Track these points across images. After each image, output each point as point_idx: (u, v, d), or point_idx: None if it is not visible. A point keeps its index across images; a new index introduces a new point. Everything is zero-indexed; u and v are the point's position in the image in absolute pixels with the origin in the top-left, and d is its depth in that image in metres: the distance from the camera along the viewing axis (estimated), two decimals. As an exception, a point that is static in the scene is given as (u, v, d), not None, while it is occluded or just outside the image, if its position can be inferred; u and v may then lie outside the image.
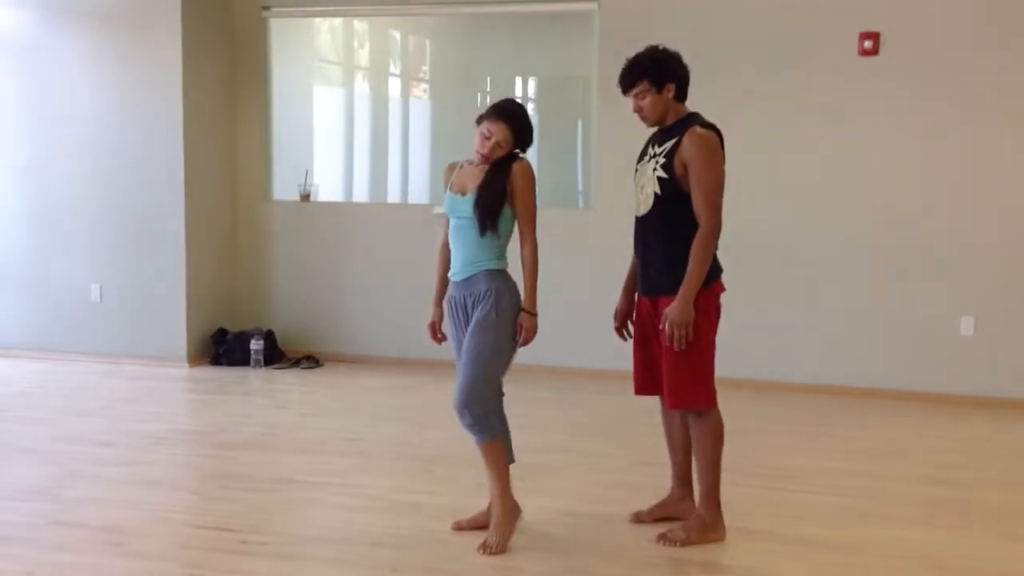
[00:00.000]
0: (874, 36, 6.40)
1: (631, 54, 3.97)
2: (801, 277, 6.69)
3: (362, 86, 8.56)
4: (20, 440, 5.37)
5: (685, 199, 3.80)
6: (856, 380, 6.62)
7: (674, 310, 3.78)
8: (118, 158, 7.21)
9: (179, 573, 3.62)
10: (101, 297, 7.32)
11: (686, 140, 3.81)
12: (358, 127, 8.36)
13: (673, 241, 3.84)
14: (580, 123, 7.59)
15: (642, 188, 3.94)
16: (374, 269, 7.31)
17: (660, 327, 3.86)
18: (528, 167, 3.88)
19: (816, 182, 6.63)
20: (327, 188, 7.82)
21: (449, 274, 3.93)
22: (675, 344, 3.79)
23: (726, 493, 4.39)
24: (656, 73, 3.88)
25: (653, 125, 3.97)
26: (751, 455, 5.21)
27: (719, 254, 3.92)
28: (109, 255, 7.29)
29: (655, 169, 3.87)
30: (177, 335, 7.20)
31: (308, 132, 8.17)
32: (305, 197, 7.57)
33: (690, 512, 4.15)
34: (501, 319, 3.80)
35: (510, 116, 3.85)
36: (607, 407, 6.11)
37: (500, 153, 3.84)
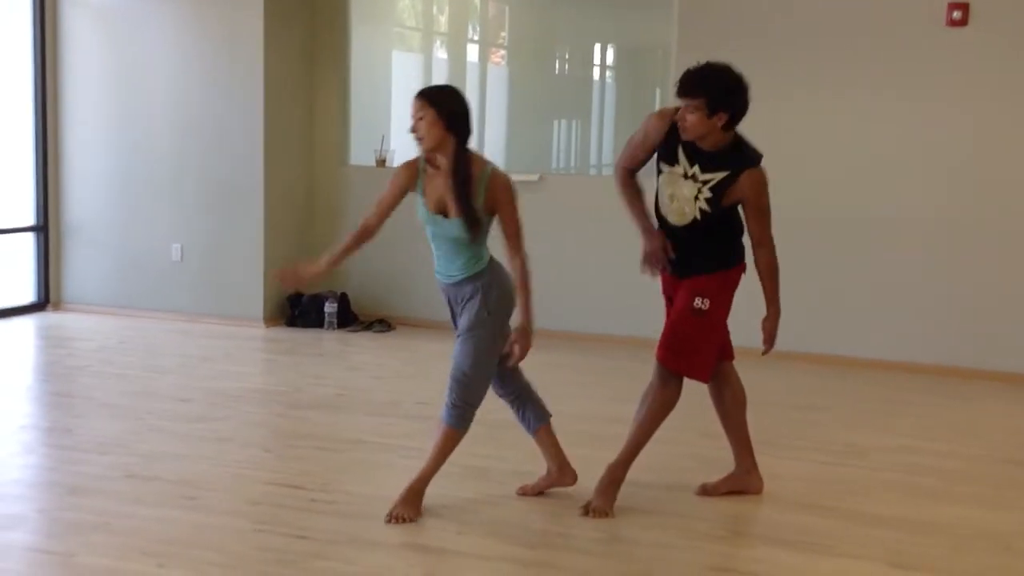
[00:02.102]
0: (963, 7, 6.22)
1: (706, 59, 3.87)
2: (878, 252, 6.56)
3: (440, 52, 8.58)
4: (100, 394, 5.53)
5: (725, 216, 3.94)
6: (932, 357, 6.49)
7: (775, 324, 4.12)
8: (200, 122, 7.33)
9: (249, 528, 3.70)
10: (182, 257, 7.47)
11: (747, 183, 3.87)
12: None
13: (713, 244, 3.99)
14: (658, 93, 7.52)
15: (672, 198, 3.93)
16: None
17: (694, 303, 3.94)
18: (506, 180, 3.75)
19: (895, 157, 6.49)
20: (403, 153, 7.85)
21: (436, 274, 3.88)
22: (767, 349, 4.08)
23: (794, 467, 4.37)
24: (716, 99, 3.76)
25: (690, 139, 3.87)
26: (821, 431, 5.16)
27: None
28: (190, 216, 7.43)
29: (697, 197, 3.87)
30: (254, 296, 7.33)
31: (386, 97, 8.22)
32: (381, 162, 7.62)
33: (756, 486, 4.15)
34: (493, 314, 3.78)
35: (432, 97, 3.77)
36: (646, 375, 6.08)
37: (431, 138, 3.73)
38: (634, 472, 4.28)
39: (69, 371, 6.13)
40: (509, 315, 3.86)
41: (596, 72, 8.17)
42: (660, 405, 4.03)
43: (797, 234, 6.67)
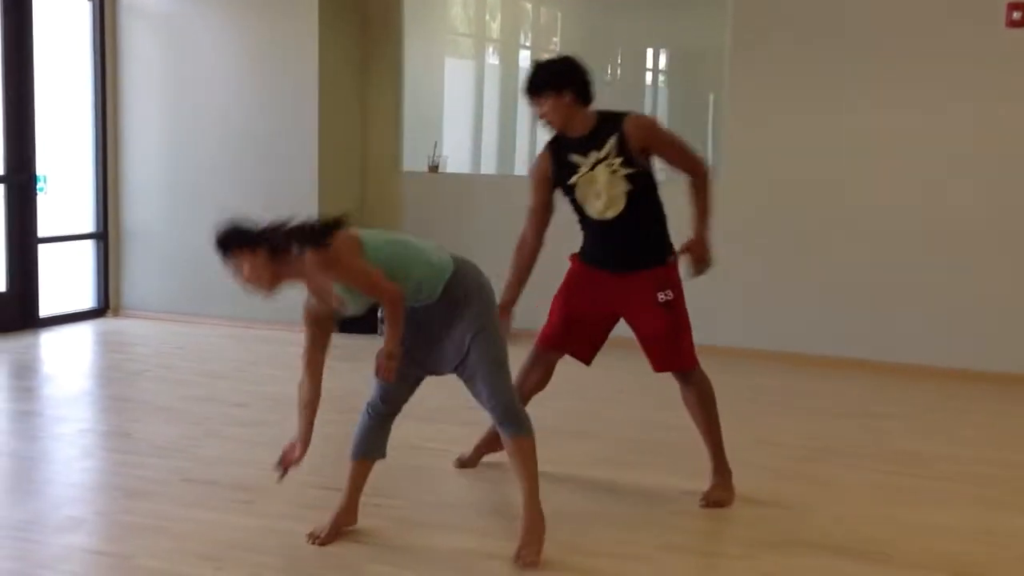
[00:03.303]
0: (1023, 7, 6.11)
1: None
2: (942, 257, 6.43)
3: (492, 58, 8.59)
4: (158, 399, 5.59)
5: (652, 185, 4.00)
6: (999, 365, 6.35)
7: (704, 249, 4.04)
8: (255, 130, 7.40)
9: (303, 531, 3.71)
10: (237, 263, 7.52)
11: (633, 129, 3.93)
12: (487, 99, 8.39)
13: (647, 229, 4.04)
14: (712, 97, 7.46)
15: (599, 195, 3.96)
16: (500, 241, 7.26)
17: (659, 298, 4.01)
18: (341, 245, 3.35)
19: (951, 159, 6.36)
20: (456, 160, 7.88)
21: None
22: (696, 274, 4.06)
23: (855, 476, 4.30)
24: (551, 83, 3.94)
25: (561, 130, 3.99)
26: (882, 439, 5.08)
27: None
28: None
29: (614, 171, 3.91)
30: (308, 302, 7.35)
31: (438, 104, 8.24)
32: (433, 169, 7.64)
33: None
34: (483, 310, 3.56)
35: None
36: (733, 384, 6.02)
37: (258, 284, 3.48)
38: (688, 479, 4.24)
39: (128, 376, 6.21)
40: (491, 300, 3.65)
41: (648, 76, 8.14)
42: (702, 399, 4.12)
43: (856, 238, 6.59)
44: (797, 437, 5.06)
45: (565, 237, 4.21)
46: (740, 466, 4.42)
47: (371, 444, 3.77)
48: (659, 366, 4.13)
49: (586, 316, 4.17)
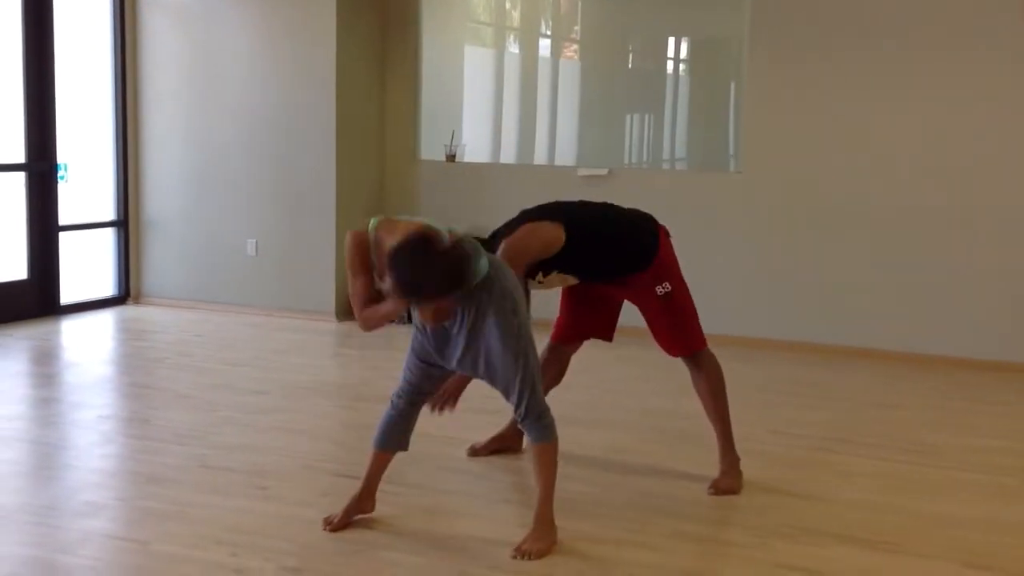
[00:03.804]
0: (1043, -4, 6.07)
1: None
2: (957, 247, 6.42)
3: (512, 47, 8.59)
4: (178, 386, 5.65)
5: (586, 240, 3.97)
6: (1014, 355, 6.32)
7: None
8: (274, 119, 7.44)
9: (318, 518, 3.74)
10: (257, 252, 7.59)
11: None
12: (507, 88, 8.39)
13: (616, 259, 4.06)
14: (733, 86, 7.44)
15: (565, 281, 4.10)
16: (518, 230, 7.33)
17: (658, 292, 4.06)
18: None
19: (970, 151, 6.34)
20: (476, 149, 7.89)
21: None
22: None
23: (868, 465, 4.30)
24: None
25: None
26: (896, 430, 5.08)
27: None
28: (265, 212, 7.54)
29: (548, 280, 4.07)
30: (327, 290, 7.41)
31: (458, 93, 8.24)
32: (451, 158, 7.65)
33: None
34: (517, 308, 3.53)
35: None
36: (748, 374, 6.03)
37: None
38: (701, 467, 4.26)
39: (148, 363, 6.28)
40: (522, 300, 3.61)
41: (670, 65, 8.12)
42: (711, 384, 4.16)
43: (872, 225, 6.57)
44: (810, 427, 5.06)
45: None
46: (752, 456, 4.44)
47: (394, 436, 3.77)
48: (673, 351, 4.18)
49: (595, 302, 4.26)
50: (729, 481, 4.12)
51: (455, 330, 3.52)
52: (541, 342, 4.28)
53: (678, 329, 4.13)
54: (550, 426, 3.57)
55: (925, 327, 6.50)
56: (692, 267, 6.79)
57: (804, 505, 4.04)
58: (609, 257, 4.05)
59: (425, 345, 3.63)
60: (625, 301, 4.29)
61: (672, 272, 4.12)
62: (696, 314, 4.17)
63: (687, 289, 4.16)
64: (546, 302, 4.62)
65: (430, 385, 3.78)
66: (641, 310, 4.19)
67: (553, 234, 3.92)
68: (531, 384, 3.51)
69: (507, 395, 3.56)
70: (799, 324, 6.72)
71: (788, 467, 4.39)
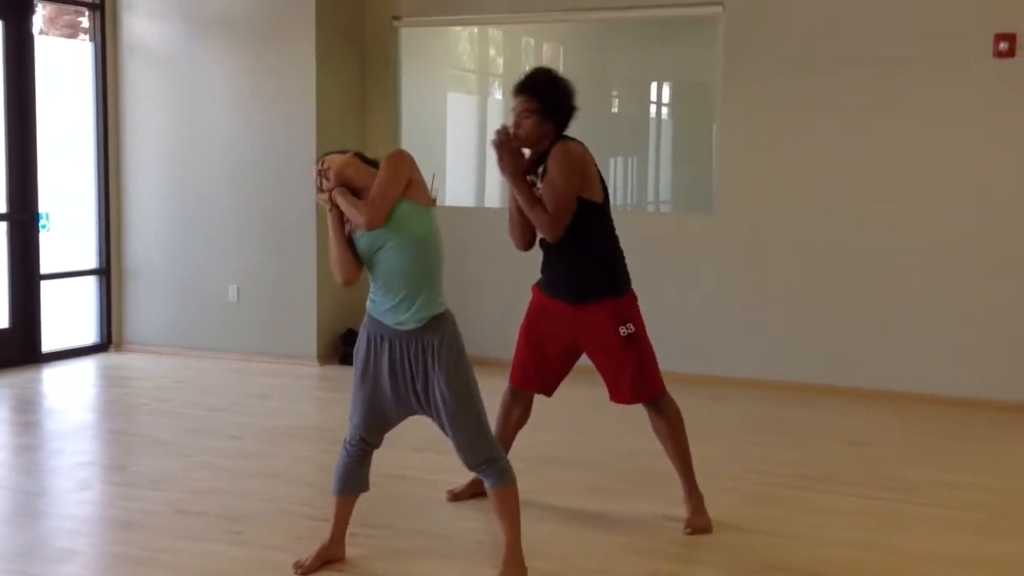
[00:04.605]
0: (1011, 38, 6.15)
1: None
2: (930, 284, 6.46)
3: (496, 93, 8.68)
4: (155, 432, 5.64)
5: (588, 213, 4.01)
6: (992, 393, 6.35)
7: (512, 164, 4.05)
8: (255, 165, 7.49)
9: (291, 562, 3.74)
10: (238, 297, 7.61)
11: (551, 154, 3.99)
12: (490, 133, 8.46)
13: (593, 258, 4.07)
14: (715, 128, 7.52)
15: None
16: (502, 272, 7.36)
17: (621, 332, 4.05)
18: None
19: (941, 188, 6.40)
20: (460, 193, 7.94)
21: (386, 319, 3.58)
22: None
23: (841, 502, 4.31)
24: (549, 103, 4.03)
25: (524, 145, 4.08)
26: (875, 467, 5.09)
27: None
28: (246, 257, 7.57)
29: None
30: (308, 335, 7.43)
31: (441, 137, 8.31)
32: (432, 202, 7.67)
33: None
34: (462, 356, 3.58)
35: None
36: (724, 413, 6.05)
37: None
38: (675, 507, 4.26)
39: (127, 409, 6.27)
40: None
41: (652, 109, 8.21)
42: (671, 426, 4.17)
43: (845, 264, 6.63)
44: (786, 465, 5.07)
45: (530, 269, 4.29)
46: (727, 493, 4.46)
47: (352, 480, 3.78)
48: (631, 398, 4.15)
49: (548, 349, 4.23)
50: (701, 518, 4.13)
51: (395, 367, 3.55)
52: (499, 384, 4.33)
53: (641, 375, 4.11)
54: (507, 469, 3.59)
55: (905, 365, 6.53)
56: (673, 306, 6.90)
57: (778, 543, 4.05)
58: (603, 250, 4.09)
59: (378, 384, 3.61)
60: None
61: (636, 316, 4.14)
62: (656, 360, 4.18)
63: (647, 336, 4.17)
64: (508, 342, 4.62)
65: (384, 429, 3.76)
66: (598, 359, 4.16)
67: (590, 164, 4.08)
68: (481, 432, 3.54)
69: (456, 444, 3.58)
70: (773, 362, 6.75)
71: (762, 504, 4.39)
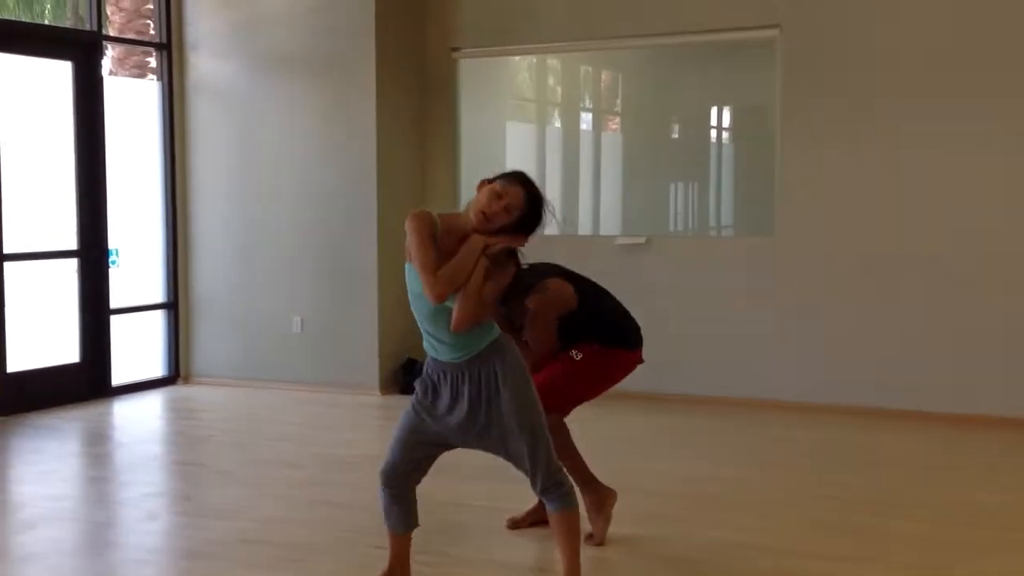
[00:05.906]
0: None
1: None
2: (1004, 304, 6.33)
3: (555, 121, 8.71)
4: (221, 463, 5.71)
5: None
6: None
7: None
8: (318, 198, 7.59)
9: (352, 590, 3.76)
10: (302, 328, 7.69)
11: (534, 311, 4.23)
12: (550, 162, 8.49)
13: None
14: (775, 151, 7.46)
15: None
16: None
17: (572, 353, 4.27)
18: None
19: (1001, 207, 6.30)
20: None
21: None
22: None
23: (914, 529, 4.23)
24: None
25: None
26: (944, 491, 4.97)
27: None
28: (310, 289, 7.66)
29: None
30: (370, 365, 7.48)
31: (499, 167, 8.31)
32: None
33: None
34: (526, 374, 3.55)
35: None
36: (793, 439, 5.96)
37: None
38: (754, 535, 4.20)
39: (194, 441, 6.36)
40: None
41: (712, 134, 8.18)
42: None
43: (910, 284, 6.52)
44: (857, 491, 4.98)
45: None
46: (798, 520, 4.38)
47: (399, 518, 3.70)
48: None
49: None
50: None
51: (461, 399, 3.51)
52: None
53: (555, 383, 4.19)
54: (571, 492, 3.55)
55: (979, 387, 6.38)
56: (737, 332, 6.83)
57: (847, 569, 3.96)
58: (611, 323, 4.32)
59: (425, 419, 3.60)
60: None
61: (595, 362, 4.26)
62: (575, 399, 4.30)
63: (590, 384, 4.30)
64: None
65: (422, 463, 3.72)
66: None
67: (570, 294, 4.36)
68: (546, 453, 3.51)
69: (521, 467, 3.54)
70: (845, 388, 6.64)
71: (832, 531, 4.30)
